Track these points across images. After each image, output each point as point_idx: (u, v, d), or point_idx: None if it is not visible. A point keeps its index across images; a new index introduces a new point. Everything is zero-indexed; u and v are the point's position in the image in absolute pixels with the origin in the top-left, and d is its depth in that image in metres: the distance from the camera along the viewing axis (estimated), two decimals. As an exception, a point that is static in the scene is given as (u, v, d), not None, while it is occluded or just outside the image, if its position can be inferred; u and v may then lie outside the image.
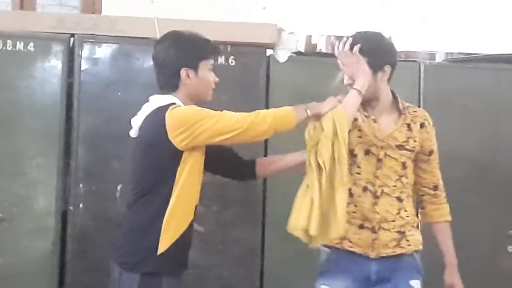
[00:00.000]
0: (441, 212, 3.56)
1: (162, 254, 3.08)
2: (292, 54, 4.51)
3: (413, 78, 4.60)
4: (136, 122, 3.23)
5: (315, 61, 4.57)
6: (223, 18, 4.69)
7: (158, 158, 3.10)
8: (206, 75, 3.24)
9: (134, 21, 4.34)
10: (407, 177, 3.38)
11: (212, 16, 4.70)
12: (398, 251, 3.35)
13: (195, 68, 3.20)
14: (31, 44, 4.22)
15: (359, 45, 3.28)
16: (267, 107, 4.31)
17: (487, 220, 4.62)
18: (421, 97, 4.59)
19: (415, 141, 3.40)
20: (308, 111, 3.20)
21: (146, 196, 3.14)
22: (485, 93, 4.64)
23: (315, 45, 4.58)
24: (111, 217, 4.21)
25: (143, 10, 4.75)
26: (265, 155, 4.21)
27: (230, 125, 3.08)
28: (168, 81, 3.22)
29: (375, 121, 3.36)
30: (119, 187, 4.21)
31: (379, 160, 3.32)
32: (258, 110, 3.16)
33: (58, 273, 4.22)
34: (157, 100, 3.20)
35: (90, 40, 4.29)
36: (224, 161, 3.38)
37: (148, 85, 4.14)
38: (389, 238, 3.32)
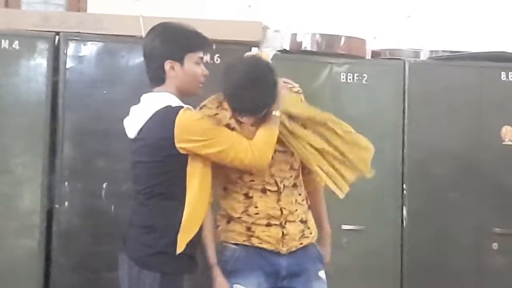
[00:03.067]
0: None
1: (181, 253, 3.08)
2: (277, 52, 4.54)
3: (398, 76, 4.63)
4: (133, 122, 3.18)
5: (300, 59, 4.61)
6: (208, 16, 4.70)
7: (167, 160, 3.08)
8: (192, 68, 3.18)
9: (119, 19, 4.35)
10: (296, 160, 3.33)
11: (197, 14, 4.71)
12: (304, 241, 3.31)
13: (180, 60, 3.15)
14: (16, 42, 4.22)
15: None
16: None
17: (472, 217, 4.64)
18: (406, 94, 4.62)
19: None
20: (277, 113, 3.18)
21: (158, 197, 3.12)
22: (469, 90, 4.67)
23: (300, 43, 4.60)
24: (97, 215, 4.23)
25: (128, 8, 4.73)
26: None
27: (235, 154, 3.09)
28: (154, 74, 3.19)
29: (252, 124, 3.24)
30: (104, 185, 4.22)
31: None
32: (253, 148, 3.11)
33: (44, 271, 4.22)
34: (152, 99, 3.17)
35: (75, 38, 4.29)
36: None
37: (133, 83, 4.17)
38: (297, 231, 3.29)
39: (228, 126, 3.23)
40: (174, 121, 3.04)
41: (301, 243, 3.30)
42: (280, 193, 3.26)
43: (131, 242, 3.18)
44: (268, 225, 3.25)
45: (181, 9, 4.82)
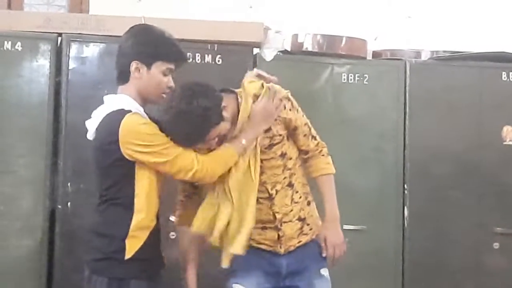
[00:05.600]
0: (314, 168, 3.36)
1: (129, 259, 3.05)
2: (279, 53, 4.54)
3: (399, 76, 4.63)
4: (92, 124, 3.16)
5: (301, 60, 4.60)
6: (210, 17, 4.70)
7: (114, 165, 3.05)
8: (157, 76, 3.10)
9: (121, 20, 4.34)
10: (290, 158, 3.27)
11: (199, 15, 4.72)
12: (303, 239, 3.29)
13: (147, 65, 3.09)
14: (19, 43, 4.24)
15: None
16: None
17: (473, 217, 4.65)
18: (407, 95, 4.62)
19: (278, 132, 3.23)
20: (244, 141, 3.12)
21: (108, 202, 3.12)
22: (470, 90, 4.67)
23: (301, 44, 4.59)
24: (99, 215, 4.24)
25: (130, 9, 4.75)
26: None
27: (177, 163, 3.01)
28: (120, 71, 3.15)
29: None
30: (107, 186, 4.22)
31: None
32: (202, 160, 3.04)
33: (46, 271, 4.24)
34: (111, 101, 3.15)
35: (77, 39, 4.30)
36: None
37: (135, 84, 4.17)
38: (294, 230, 3.27)
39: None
40: (119, 125, 2.99)
41: (299, 241, 3.29)
42: (273, 198, 3.23)
43: (86, 246, 3.21)
44: (264, 228, 3.25)
45: (182, 10, 4.83)
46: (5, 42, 4.23)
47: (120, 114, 3.03)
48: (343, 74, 4.58)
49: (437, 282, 4.61)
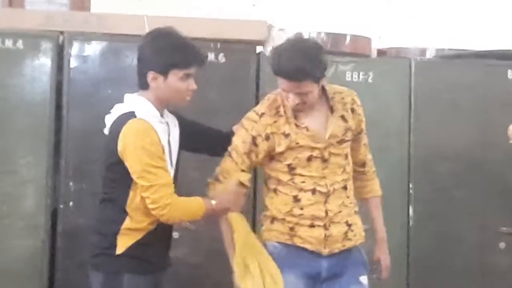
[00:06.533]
0: (369, 188, 3.54)
1: (121, 254, 3.08)
2: (282, 51, 4.51)
3: (404, 74, 4.61)
4: (109, 120, 3.18)
5: (305, 58, 4.58)
6: (213, 15, 4.69)
7: (114, 166, 3.07)
8: (175, 83, 3.10)
9: (123, 18, 4.34)
10: (349, 163, 3.36)
11: (201, 13, 4.71)
12: (347, 244, 3.32)
13: (164, 74, 3.08)
14: (20, 41, 4.21)
15: None
16: (257, 104, 4.30)
17: (479, 216, 4.63)
18: (412, 92, 4.61)
19: (352, 130, 3.35)
20: (214, 203, 3.18)
21: (107, 201, 3.15)
22: (475, 89, 4.64)
23: (305, 42, 4.58)
24: (101, 215, 4.22)
25: (132, 7, 4.73)
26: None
27: (151, 189, 3.02)
28: (139, 78, 3.15)
29: (307, 129, 3.25)
30: (109, 185, 4.20)
31: (324, 160, 3.27)
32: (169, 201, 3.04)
33: (48, 271, 4.22)
34: (128, 101, 3.16)
35: (79, 37, 4.28)
36: (204, 138, 3.38)
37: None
38: (340, 233, 3.29)
39: (283, 133, 3.24)
40: (122, 128, 3.02)
41: (343, 245, 3.31)
42: (329, 195, 3.27)
43: (88, 244, 3.24)
44: (311, 226, 3.27)
45: (185, 8, 4.82)
46: (7, 40, 4.20)
47: (128, 117, 3.05)
48: (347, 72, 4.55)
49: (442, 281, 4.59)
